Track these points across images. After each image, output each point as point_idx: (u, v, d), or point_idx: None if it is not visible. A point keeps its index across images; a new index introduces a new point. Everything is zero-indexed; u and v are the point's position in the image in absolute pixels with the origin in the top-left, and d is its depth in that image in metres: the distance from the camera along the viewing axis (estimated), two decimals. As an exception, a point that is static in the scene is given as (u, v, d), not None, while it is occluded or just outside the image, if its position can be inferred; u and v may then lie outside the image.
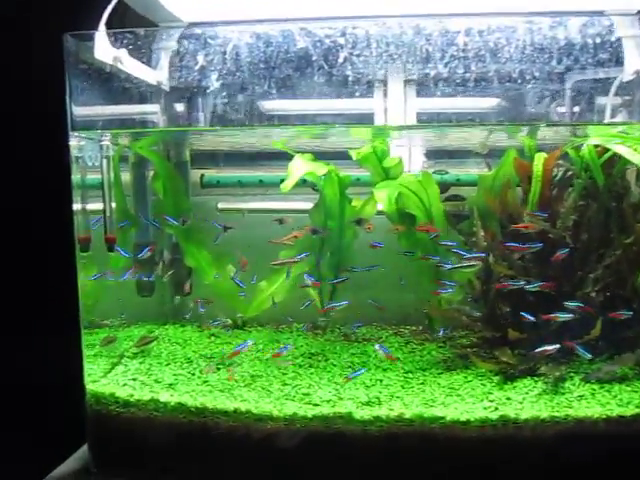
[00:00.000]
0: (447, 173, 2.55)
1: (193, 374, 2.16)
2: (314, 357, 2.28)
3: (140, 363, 2.25)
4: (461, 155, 2.53)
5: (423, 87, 1.78)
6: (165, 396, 1.97)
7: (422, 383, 2.06)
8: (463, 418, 1.82)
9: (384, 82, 1.89)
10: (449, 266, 2.13)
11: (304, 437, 1.89)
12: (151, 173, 2.59)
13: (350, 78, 1.74)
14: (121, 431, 1.96)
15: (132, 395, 1.98)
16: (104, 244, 2.15)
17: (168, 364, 2.25)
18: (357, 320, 2.60)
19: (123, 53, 2.11)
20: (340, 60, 1.70)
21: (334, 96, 1.78)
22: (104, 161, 2.04)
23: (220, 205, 2.68)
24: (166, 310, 2.68)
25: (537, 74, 1.85)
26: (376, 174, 2.39)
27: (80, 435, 2.07)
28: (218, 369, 2.20)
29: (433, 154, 2.66)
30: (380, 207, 2.44)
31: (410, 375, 2.11)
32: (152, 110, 2.04)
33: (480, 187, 2.34)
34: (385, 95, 1.91)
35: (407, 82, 1.89)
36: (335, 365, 2.20)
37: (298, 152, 2.45)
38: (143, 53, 2.22)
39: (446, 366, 2.16)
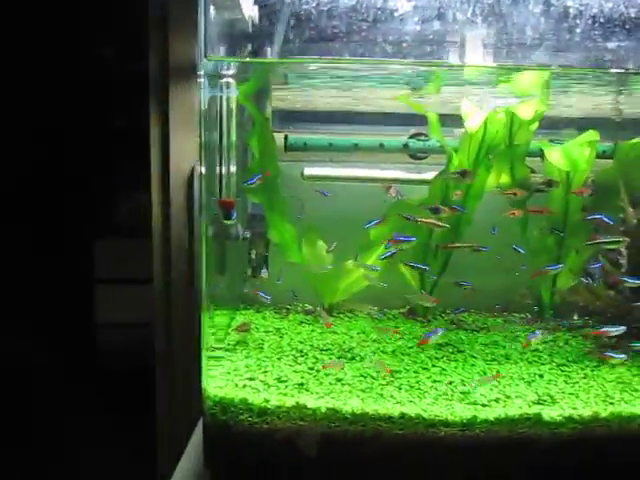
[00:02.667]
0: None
1: (318, 370, 1.81)
2: (444, 349, 1.98)
3: (246, 357, 1.87)
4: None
5: None
6: (311, 401, 1.61)
7: (584, 377, 1.83)
8: (663, 416, 1.62)
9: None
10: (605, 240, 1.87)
11: (485, 444, 1.61)
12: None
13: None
14: (259, 447, 1.58)
15: (268, 401, 1.60)
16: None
17: (279, 358, 1.88)
18: (457, 306, 2.34)
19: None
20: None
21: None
22: (224, 104, 1.63)
23: (306, 171, 2.30)
24: (240, 293, 2.28)
25: None
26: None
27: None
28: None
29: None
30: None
31: (566, 369, 1.88)
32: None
33: (616, 159, 2.13)
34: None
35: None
36: (476, 357, 1.92)
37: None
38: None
39: (597, 358, 1.95)
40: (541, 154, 2.21)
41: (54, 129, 3.68)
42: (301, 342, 2.00)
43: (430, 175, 2.28)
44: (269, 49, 1.89)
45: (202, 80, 1.53)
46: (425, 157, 2.32)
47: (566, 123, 2.27)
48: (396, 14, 1.55)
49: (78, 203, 4.13)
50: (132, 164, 3.23)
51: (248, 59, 1.48)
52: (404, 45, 1.47)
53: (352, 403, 1.62)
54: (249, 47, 1.45)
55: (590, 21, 1.55)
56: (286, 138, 2.26)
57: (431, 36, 1.58)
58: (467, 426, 1.59)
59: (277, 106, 2.36)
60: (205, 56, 1.45)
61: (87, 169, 3.94)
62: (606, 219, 1.98)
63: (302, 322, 2.22)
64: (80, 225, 4.23)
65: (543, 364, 1.90)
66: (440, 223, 1.91)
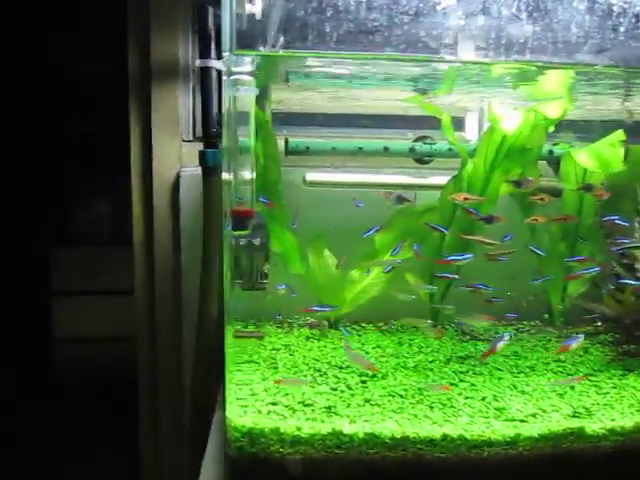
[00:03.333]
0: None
1: (342, 391, 1.68)
2: (467, 362, 1.89)
3: (262, 379, 1.72)
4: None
5: None
6: (347, 426, 1.49)
7: (614, 387, 1.78)
8: None
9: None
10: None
11: (529, 462, 1.52)
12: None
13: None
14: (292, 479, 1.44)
15: (300, 429, 1.46)
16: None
17: (298, 378, 1.74)
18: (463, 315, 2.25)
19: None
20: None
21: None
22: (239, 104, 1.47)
23: (309, 177, 2.17)
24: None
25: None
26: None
27: None
28: (363, 382, 1.74)
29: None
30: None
31: (593, 379, 1.82)
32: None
33: (629, 162, 2.09)
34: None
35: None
36: (501, 370, 1.84)
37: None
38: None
39: (622, 366, 1.90)
40: (548, 157, 2.19)
41: (22, 131, 3.41)
42: (316, 360, 1.87)
43: (436, 180, 2.22)
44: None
45: (226, 78, 1.39)
46: (430, 161, 2.24)
47: (564, 126, 2.24)
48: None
49: (50, 210, 3.86)
50: (110, 169, 3.01)
51: (281, 52, 1.32)
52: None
53: (388, 426, 1.51)
54: (281, 39, 1.31)
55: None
56: (287, 142, 2.13)
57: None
58: (510, 444, 1.51)
59: (276, 108, 2.23)
60: (230, 50, 1.30)
61: (60, 175, 3.68)
62: (621, 222, 1.95)
63: (309, 337, 2.09)
64: (50, 234, 3.96)
65: (569, 374, 1.84)
66: (489, 240, 1.81)
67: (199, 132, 2.58)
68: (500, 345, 1.66)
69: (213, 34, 2.10)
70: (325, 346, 1.98)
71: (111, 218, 3.83)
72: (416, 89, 2.09)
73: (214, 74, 2.11)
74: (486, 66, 1.51)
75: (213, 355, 2.24)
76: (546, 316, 2.22)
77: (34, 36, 3.14)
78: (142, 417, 2.71)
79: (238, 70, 1.49)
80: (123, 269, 4.03)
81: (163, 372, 2.65)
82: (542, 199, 1.83)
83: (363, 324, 2.22)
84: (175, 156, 2.55)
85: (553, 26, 1.35)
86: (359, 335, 2.11)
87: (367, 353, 1.93)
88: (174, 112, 2.54)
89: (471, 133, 2.35)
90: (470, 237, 1.85)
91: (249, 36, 1.28)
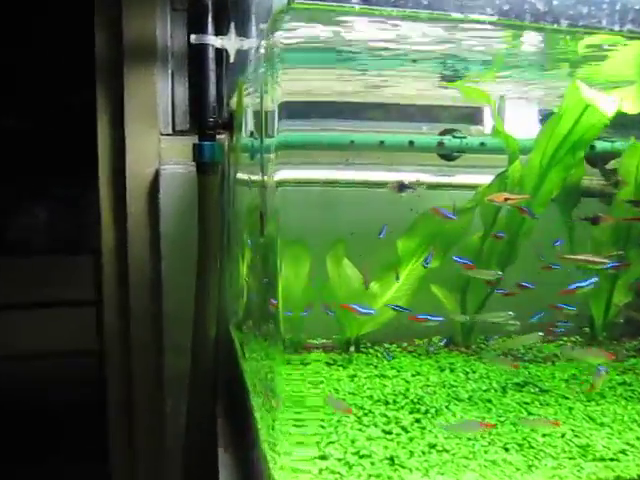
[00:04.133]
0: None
1: (398, 434, 1.38)
2: (525, 389, 1.63)
3: (296, 425, 1.39)
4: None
5: None
6: (425, 485, 1.19)
7: (695, 412, 1.57)
8: None
9: None
10: None
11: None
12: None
13: None
14: None
15: (371, 493, 1.15)
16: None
17: (339, 420, 1.42)
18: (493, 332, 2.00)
19: None
20: None
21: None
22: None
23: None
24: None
25: None
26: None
27: None
28: (418, 420, 1.44)
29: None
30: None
31: (669, 403, 1.61)
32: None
33: None
34: None
35: None
36: (568, 398, 1.59)
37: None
38: None
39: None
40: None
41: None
42: (353, 393, 1.56)
43: (464, 179, 1.97)
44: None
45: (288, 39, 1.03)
46: (458, 157, 1.99)
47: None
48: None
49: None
50: (73, 165, 2.56)
51: (358, 8, 0.99)
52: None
53: (469, 479, 1.23)
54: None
55: None
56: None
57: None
58: (615, 492, 1.27)
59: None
60: (289, 3, 0.97)
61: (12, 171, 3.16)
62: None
63: (329, 364, 1.78)
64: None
65: (641, 399, 1.62)
66: (597, 259, 1.55)
67: (179, 125, 2.24)
68: (598, 380, 1.42)
69: (210, 5, 1.76)
70: (355, 375, 1.68)
71: (59, 224, 3.37)
72: (446, 75, 1.85)
73: (211, 53, 1.77)
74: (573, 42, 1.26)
75: (211, 381, 1.89)
76: (587, 330, 2.01)
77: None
78: (112, 441, 2.33)
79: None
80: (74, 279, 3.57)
81: (138, 395, 2.28)
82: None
83: (385, 344, 1.94)
84: (153, 152, 2.18)
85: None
86: (388, 360, 1.82)
87: (407, 382, 1.64)
88: (151, 100, 2.18)
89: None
90: (575, 257, 1.58)
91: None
